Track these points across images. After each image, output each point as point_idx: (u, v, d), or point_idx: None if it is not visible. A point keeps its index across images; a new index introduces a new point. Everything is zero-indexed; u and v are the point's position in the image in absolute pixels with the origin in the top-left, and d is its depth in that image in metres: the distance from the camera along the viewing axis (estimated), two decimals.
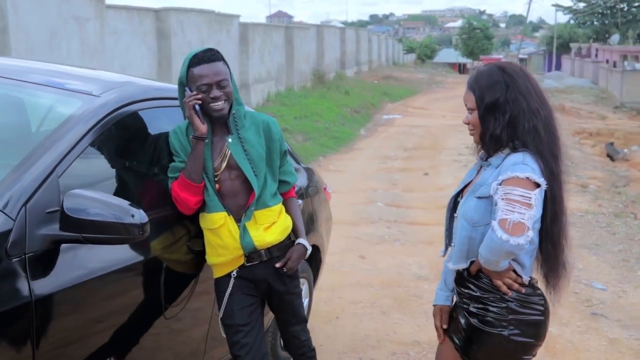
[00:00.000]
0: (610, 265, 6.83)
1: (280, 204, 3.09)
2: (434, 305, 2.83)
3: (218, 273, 3.07)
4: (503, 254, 2.43)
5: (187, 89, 2.89)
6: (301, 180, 4.06)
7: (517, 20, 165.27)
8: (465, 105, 2.62)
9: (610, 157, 16.59)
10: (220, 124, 2.97)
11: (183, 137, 2.95)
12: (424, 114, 23.10)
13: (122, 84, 3.09)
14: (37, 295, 2.26)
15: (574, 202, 9.06)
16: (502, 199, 2.43)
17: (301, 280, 3.94)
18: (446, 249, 2.78)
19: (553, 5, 61.05)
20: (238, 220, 2.97)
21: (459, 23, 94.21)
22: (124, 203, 2.40)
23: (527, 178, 2.43)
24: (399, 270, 6.43)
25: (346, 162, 13.07)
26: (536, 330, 2.58)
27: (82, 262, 2.47)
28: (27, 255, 2.26)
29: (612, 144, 17.88)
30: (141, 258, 2.75)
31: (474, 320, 2.58)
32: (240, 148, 2.95)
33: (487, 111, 2.55)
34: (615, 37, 47.60)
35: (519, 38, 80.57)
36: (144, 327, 2.84)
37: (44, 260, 2.33)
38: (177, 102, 3.04)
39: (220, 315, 3.06)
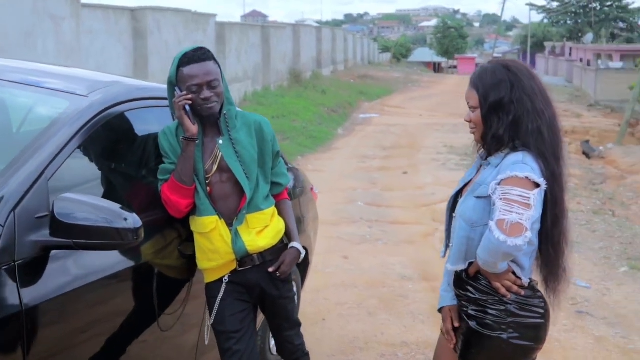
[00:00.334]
0: (592, 262, 6.86)
1: (273, 206, 3.01)
2: (440, 309, 2.72)
3: (209, 278, 2.98)
4: (501, 255, 2.39)
5: (177, 88, 2.80)
6: None
7: (491, 20, 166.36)
8: (467, 103, 2.56)
9: (586, 155, 16.76)
10: (211, 124, 2.88)
11: (173, 138, 2.86)
12: (401, 113, 23.09)
13: (109, 83, 3.00)
14: (27, 304, 2.18)
15: None
16: (501, 198, 2.39)
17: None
18: (446, 249, 2.74)
19: (527, 4, 61.62)
20: (230, 224, 2.88)
21: (433, 22, 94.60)
22: (117, 207, 2.32)
23: (527, 178, 2.40)
24: (382, 270, 6.40)
25: (325, 161, 13.01)
26: (536, 334, 2.55)
27: (73, 269, 2.39)
28: (16, 263, 2.18)
29: (587, 141, 18.06)
30: (132, 263, 2.67)
31: (472, 323, 2.54)
32: (232, 149, 2.87)
33: (491, 110, 2.50)
34: (589, 36, 48.10)
35: (493, 37, 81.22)
36: (136, 334, 2.76)
37: (34, 268, 2.25)
38: (166, 102, 2.96)
39: (211, 321, 2.97)
